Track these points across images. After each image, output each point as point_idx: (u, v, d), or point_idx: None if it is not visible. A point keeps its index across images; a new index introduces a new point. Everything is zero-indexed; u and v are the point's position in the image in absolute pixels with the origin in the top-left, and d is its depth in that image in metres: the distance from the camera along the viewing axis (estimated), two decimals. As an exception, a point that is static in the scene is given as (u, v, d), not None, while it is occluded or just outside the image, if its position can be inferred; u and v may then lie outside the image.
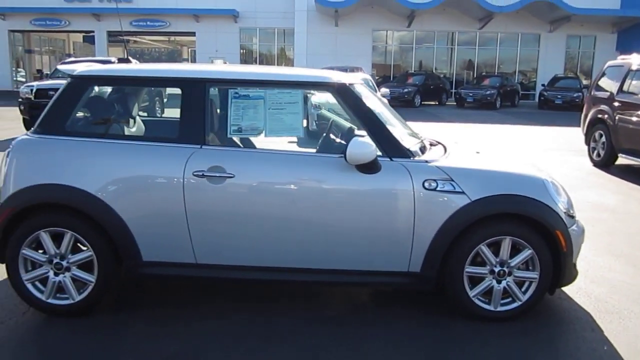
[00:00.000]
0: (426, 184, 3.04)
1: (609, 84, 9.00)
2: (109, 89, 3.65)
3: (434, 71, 27.64)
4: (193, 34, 29.45)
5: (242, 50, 29.65)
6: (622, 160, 8.61)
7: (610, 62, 9.33)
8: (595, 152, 9.02)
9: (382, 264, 3.14)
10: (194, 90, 3.10)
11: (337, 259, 3.12)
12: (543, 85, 24.26)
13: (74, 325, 3.07)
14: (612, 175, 8.19)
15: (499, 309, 3.21)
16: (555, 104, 22.11)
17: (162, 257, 3.10)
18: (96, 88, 3.33)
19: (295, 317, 3.22)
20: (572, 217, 3.29)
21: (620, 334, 3.11)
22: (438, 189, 3.05)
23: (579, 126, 9.87)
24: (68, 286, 3.10)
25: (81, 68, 3.26)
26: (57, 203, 3.01)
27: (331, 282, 3.23)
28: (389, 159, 3.07)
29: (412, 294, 3.57)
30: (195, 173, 2.99)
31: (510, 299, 3.22)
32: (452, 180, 3.07)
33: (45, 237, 3.04)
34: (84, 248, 3.10)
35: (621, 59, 9.05)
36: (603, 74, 9.34)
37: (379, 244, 3.09)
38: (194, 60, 45.67)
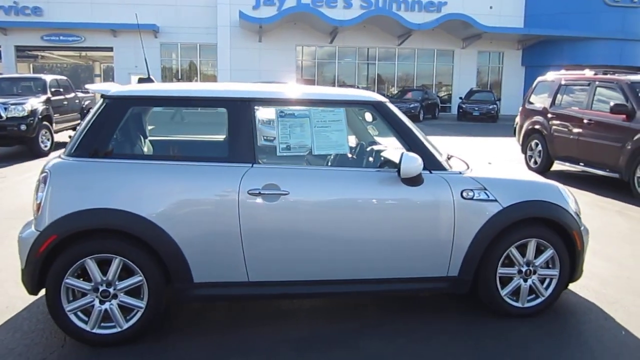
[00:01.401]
0: (464, 194, 3.27)
1: (541, 98, 9.85)
2: (147, 109, 3.55)
3: (357, 86, 28.48)
4: (110, 49, 28.33)
5: (162, 66, 28.92)
6: (557, 166, 9.43)
7: (540, 78, 10.21)
8: (532, 159, 9.80)
9: (423, 270, 3.31)
10: (241, 110, 3.12)
11: (383, 269, 3.25)
12: (460, 98, 25.81)
13: (120, 354, 2.95)
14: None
15: (526, 305, 3.49)
16: (473, 116, 23.60)
17: (214, 277, 3.07)
18: (135, 108, 3.23)
19: (343, 324, 3.30)
20: (580, 218, 3.66)
21: (630, 321, 3.49)
22: (475, 198, 3.28)
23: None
24: (115, 314, 2.98)
25: (115, 88, 3.17)
26: (109, 228, 2.90)
27: (378, 292, 3.36)
28: (428, 172, 3.26)
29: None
30: (250, 191, 3.01)
31: (534, 296, 3.51)
32: (486, 190, 3.31)
33: (92, 265, 2.91)
34: (133, 274, 2.99)
35: (552, 74, 9.93)
36: (534, 88, 10.19)
37: (421, 251, 3.26)
38: (109, 77, 43.85)
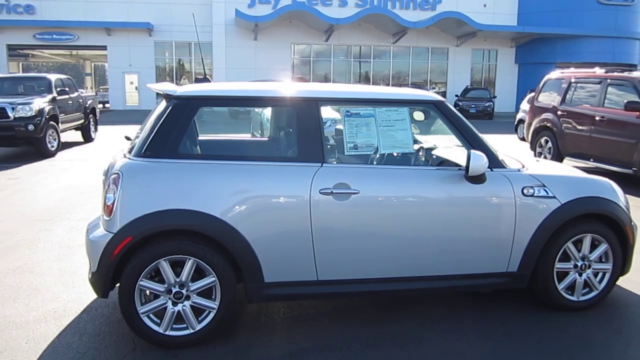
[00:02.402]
0: (525, 191, 3.32)
1: (550, 95, 9.96)
2: (213, 110, 3.55)
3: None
4: (104, 47, 28.10)
5: (157, 64, 28.75)
6: (567, 162, 9.55)
7: (548, 76, 10.32)
8: (542, 156, 9.91)
9: (485, 266, 3.36)
10: (308, 110, 3.14)
11: (447, 265, 3.29)
12: (457, 95, 25.99)
13: (193, 356, 2.95)
14: (564, 176, 9.05)
15: (581, 298, 3.55)
16: (470, 113, 23.77)
17: (284, 276, 3.08)
18: (203, 108, 3.23)
19: (408, 320, 3.34)
20: (630, 213, 3.73)
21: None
22: (535, 195, 3.33)
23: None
24: (188, 315, 2.98)
25: (183, 88, 3.16)
26: (184, 229, 2.90)
27: (441, 288, 3.39)
28: (490, 170, 3.30)
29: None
30: (322, 191, 3.03)
31: (588, 289, 3.58)
32: (545, 187, 3.37)
33: (166, 266, 2.91)
34: (205, 274, 3.00)
35: (561, 73, 10.05)
36: (543, 86, 10.30)
37: (484, 248, 3.31)
38: (99, 76, 43.44)
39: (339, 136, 4.55)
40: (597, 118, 8.45)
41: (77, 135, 13.64)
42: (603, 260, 3.58)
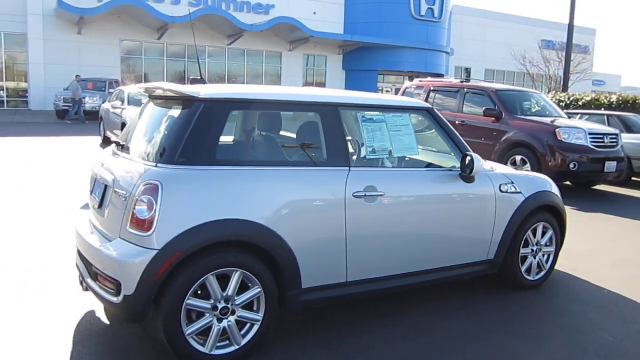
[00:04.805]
0: (502, 188, 3.82)
1: (411, 100, 11.01)
2: (241, 113, 3.31)
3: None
4: None
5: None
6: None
7: (408, 84, 11.39)
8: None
9: (473, 256, 3.78)
10: (332, 115, 3.19)
11: (448, 257, 3.64)
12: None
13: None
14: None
15: (535, 278, 4.19)
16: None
17: (318, 281, 3.09)
18: (233, 112, 3.03)
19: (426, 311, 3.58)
20: None
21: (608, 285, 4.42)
22: (508, 191, 3.85)
23: None
24: (234, 331, 2.82)
25: (207, 90, 2.95)
26: (237, 240, 2.74)
27: (443, 279, 3.69)
28: (474, 170, 3.72)
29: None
30: (355, 194, 3.11)
31: (538, 270, 4.21)
32: (513, 184, 3.91)
33: (213, 281, 2.73)
34: (248, 286, 2.86)
35: (419, 82, 11.18)
36: (403, 94, 11.35)
37: (475, 238, 3.75)
38: None
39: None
40: (457, 123, 9.63)
41: None
42: (548, 244, 4.25)
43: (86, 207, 3.61)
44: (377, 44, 29.51)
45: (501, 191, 3.81)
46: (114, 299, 2.68)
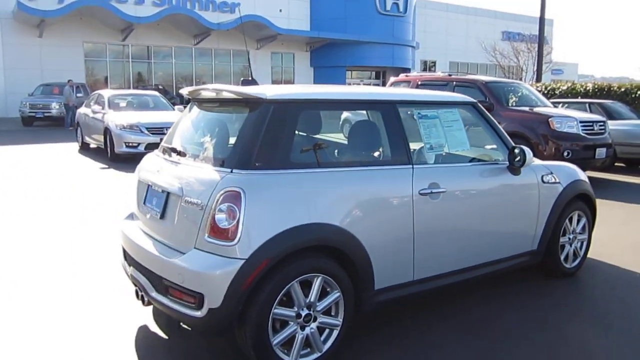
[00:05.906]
0: (544, 178, 3.88)
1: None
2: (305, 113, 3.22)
3: (158, 86, 26.96)
4: None
5: None
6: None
7: (393, 79, 11.45)
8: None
9: (519, 247, 3.84)
10: (392, 112, 3.17)
11: (499, 250, 3.68)
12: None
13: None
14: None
15: (572, 265, 4.28)
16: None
17: (389, 281, 3.07)
18: (304, 113, 2.96)
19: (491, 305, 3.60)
20: None
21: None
22: (549, 181, 3.92)
23: None
24: (316, 338, 2.77)
25: (273, 91, 2.87)
26: (321, 245, 2.69)
27: (494, 272, 3.71)
28: (519, 162, 3.77)
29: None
30: (421, 192, 3.10)
31: (574, 257, 4.31)
32: (552, 174, 3.98)
33: (297, 288, 2.66)
34: (327, 291, 2.81)
35: (405, 76, 11.25)
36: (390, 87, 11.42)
37: (521, 230, 3.81)
38: None
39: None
40: (447, 115, 9.76)
41: None
42: (582, 232, 4.35)
43: (130, 217, 3.48)
44: (344, 39, 29.57)
45: (543, 182, 3.87)
46: (196, 313, 2.57)
